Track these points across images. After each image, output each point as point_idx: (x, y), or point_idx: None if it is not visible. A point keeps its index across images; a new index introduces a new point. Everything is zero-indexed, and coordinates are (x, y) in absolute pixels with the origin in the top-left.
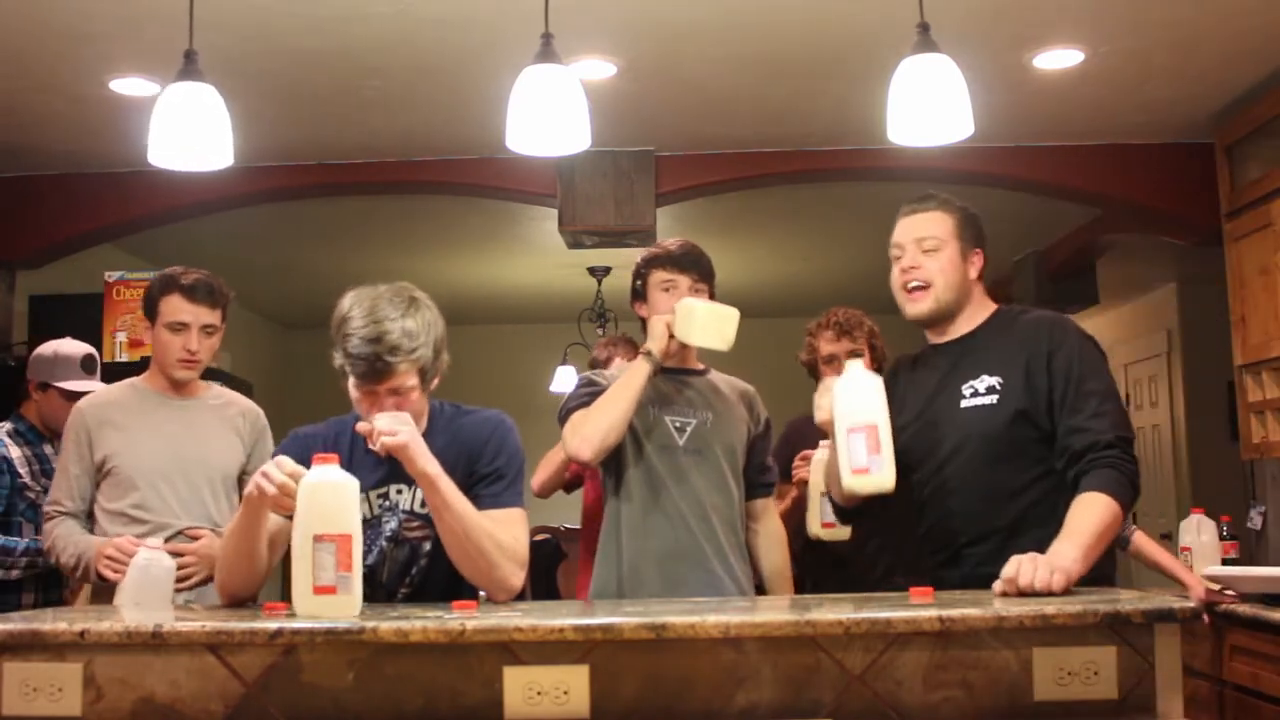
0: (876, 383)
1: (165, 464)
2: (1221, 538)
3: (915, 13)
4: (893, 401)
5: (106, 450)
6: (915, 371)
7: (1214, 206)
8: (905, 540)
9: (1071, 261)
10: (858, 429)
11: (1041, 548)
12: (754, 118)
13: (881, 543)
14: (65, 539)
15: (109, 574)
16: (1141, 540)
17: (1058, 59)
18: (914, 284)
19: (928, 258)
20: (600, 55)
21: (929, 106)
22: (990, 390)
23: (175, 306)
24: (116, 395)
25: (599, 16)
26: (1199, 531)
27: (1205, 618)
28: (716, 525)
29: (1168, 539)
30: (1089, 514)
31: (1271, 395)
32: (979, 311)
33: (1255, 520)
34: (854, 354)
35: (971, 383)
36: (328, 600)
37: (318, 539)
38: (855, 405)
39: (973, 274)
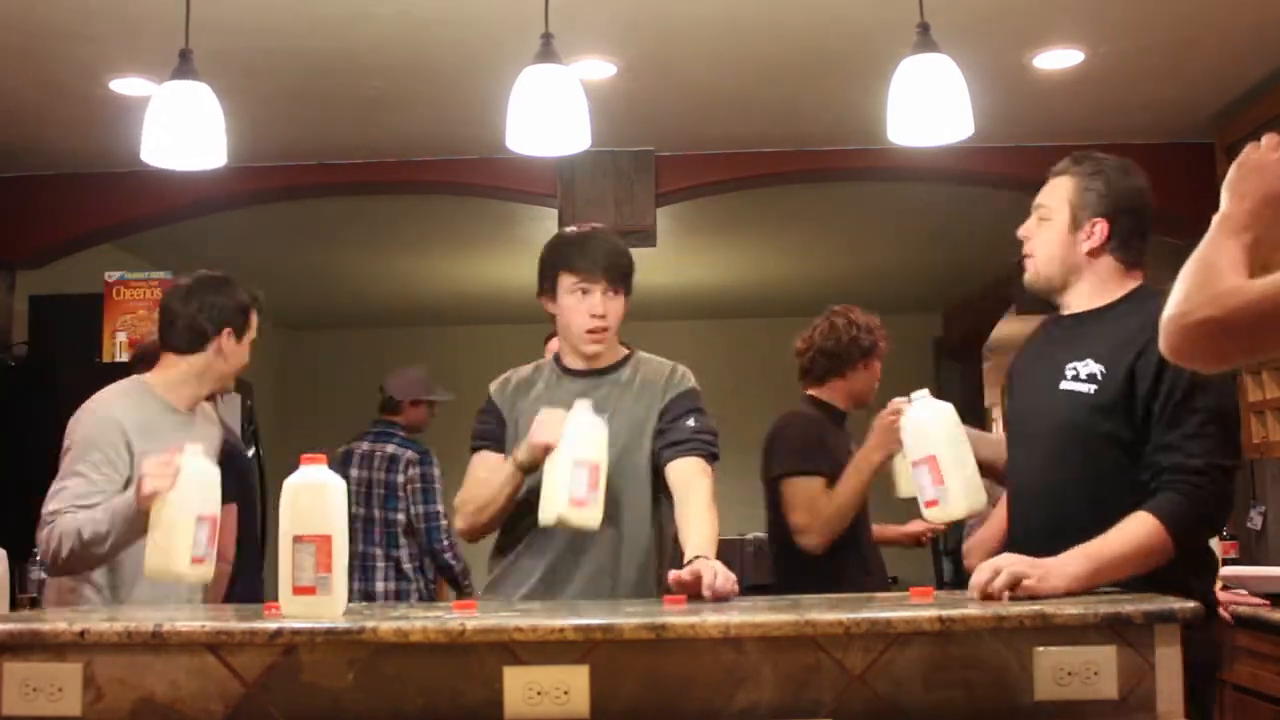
0: (934, 412)
1: None
2: (1221, 538)
3: (915, 13)
4: (1014, 374)
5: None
6: (1038, 341)
7: (1214, 206)
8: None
9: None
10: (920, 461)
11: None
12: (754, 118)
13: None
14: (83, 517)
15: (157, 484)
16: None
17: (1058, 59)
18: (1024, 254)
19: (1039, 226)
20: (600, 55)
21: (929, 106)
22: (1090, 378)
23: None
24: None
25: (599, 16)
26: None
27: (1229, 618)
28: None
29: None
30: (1123, 534)
31: (1271, 395)
32: (1107, 287)
33: (1255, 520)
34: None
35: (1075, 364)
36: (307, 601)
37: (297, 540)
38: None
39: (1086, 245)
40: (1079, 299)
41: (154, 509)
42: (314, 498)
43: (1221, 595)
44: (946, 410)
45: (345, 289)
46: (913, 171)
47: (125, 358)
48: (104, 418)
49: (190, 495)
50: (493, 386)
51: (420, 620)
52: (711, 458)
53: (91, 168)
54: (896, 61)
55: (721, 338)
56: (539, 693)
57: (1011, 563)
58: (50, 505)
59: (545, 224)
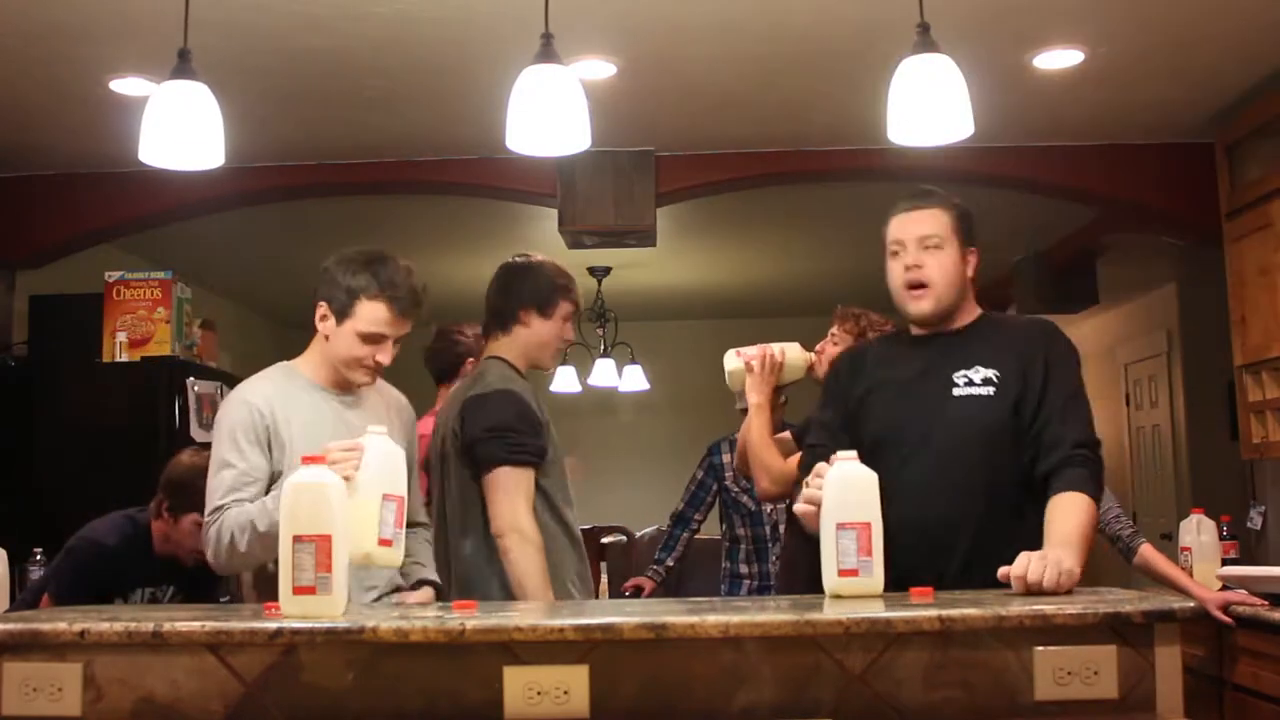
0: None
1: None
2: (1221, 538)
3: (915, 13)
4: (846, 392)
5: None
6: (883, 359)
7: (1214, 206)
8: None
9: (1071, 261)
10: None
11: (1010, 543)
12: (754, 118)
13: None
14: (254, 508)
15: (343, 470)
16: (1150, 554)
17: (1058, 59)
18: (916, 282)
19: (929, 255)
20: (600, 55)
21: (929, 106)
22: (987, 381)
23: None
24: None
25: (599, 16)
26: (1199, 531)
27: (1229, 619)
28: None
29: (1168, 539)
30: (1074, 518)
31: (1271, 395)
32: (969, 311)
33: (1255, 520)
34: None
35: (965, 372)
36: (307, 601)
37: (297, 539)
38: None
39: (969, 273)
40: (953, 321)
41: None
42: (314, 498)
43: (1222, 595)
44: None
45: None
46: (913, 171)
47: (125, 358)
48: (239, 401)
49: (375, 476)
50: (523, 390)
51: (420, 620)
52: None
53: (91, 168)
54: (896, 61)
55: (721, 338)
56: (539, 693)
57: (1050, 561)
58: (212, 502)
59: (545, 224)
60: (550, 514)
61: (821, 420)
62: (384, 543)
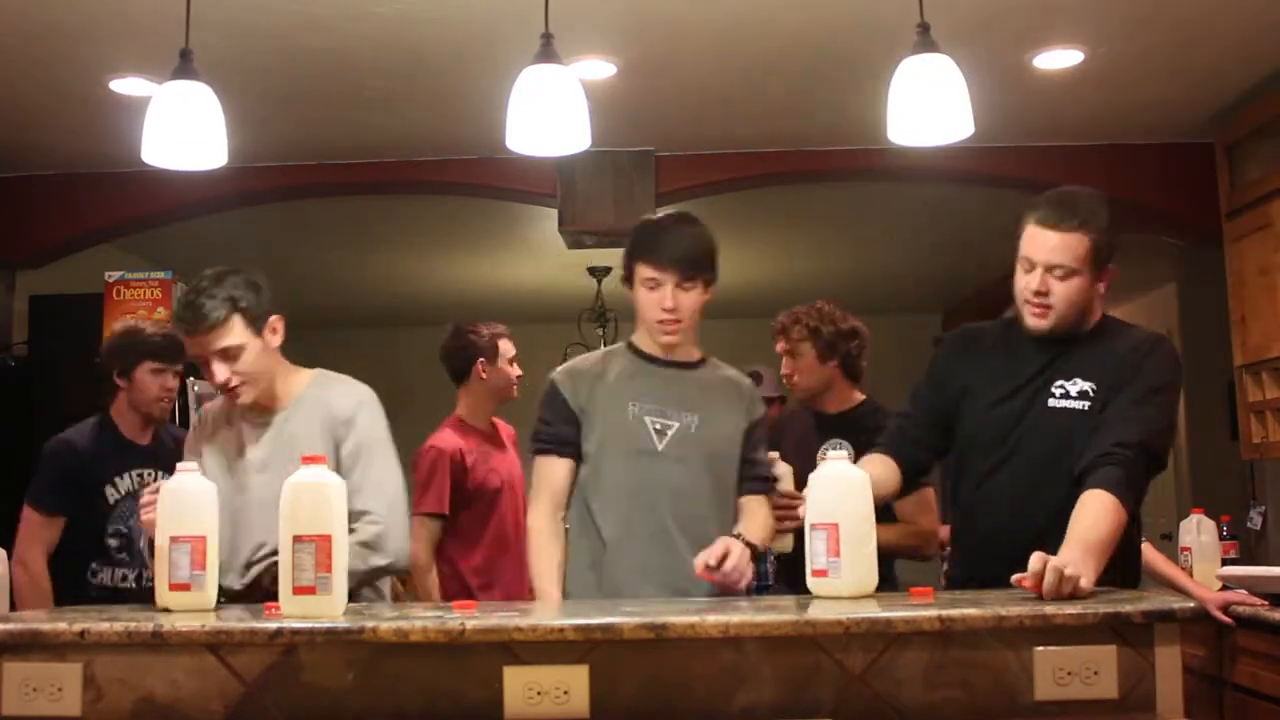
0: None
1: None
2: (1221, 538)
3: (915, 13)
4: (948, 377)
5: None
6: (993, 351)
7: (1214, 206)
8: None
9: None
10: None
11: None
12: (754, 118)
13: None
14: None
15: (149, 516)
16: (1150, 554)
17: (1058, 59)
18: (1039, 303)
19: (1058, 283)
20: (600, 55)
21: (929, 106)
22: (1083, 395)
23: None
24: None
25: (599, 16)
26: (1199, 531)
27: (1229, 619)
28: (691, 544)
29: (1168, 539)
30: (1096, 520)
31: (1271, 395)
32: (1089, 318)
33: (1255, 520)
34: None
35: (1064, 383)
36: (307, 601)
37: (297, 540)
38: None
39: (1100, 291)
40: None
41: None
42: (314, 498)
43: (1222, 595)
44: (860, 482)
45: (345, 289)
46: (913, 171)
47: None
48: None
49: (163, 519)
50: (557, 378)
51: (420, 620)
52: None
53: (91, 168)
54: (896, 61)
55: (721, 338)
56: (539, 693)
57: (1067, 575)
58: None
59: (545, 224)
60: (581, 506)
61: (915, 396)
62: (177, 587)
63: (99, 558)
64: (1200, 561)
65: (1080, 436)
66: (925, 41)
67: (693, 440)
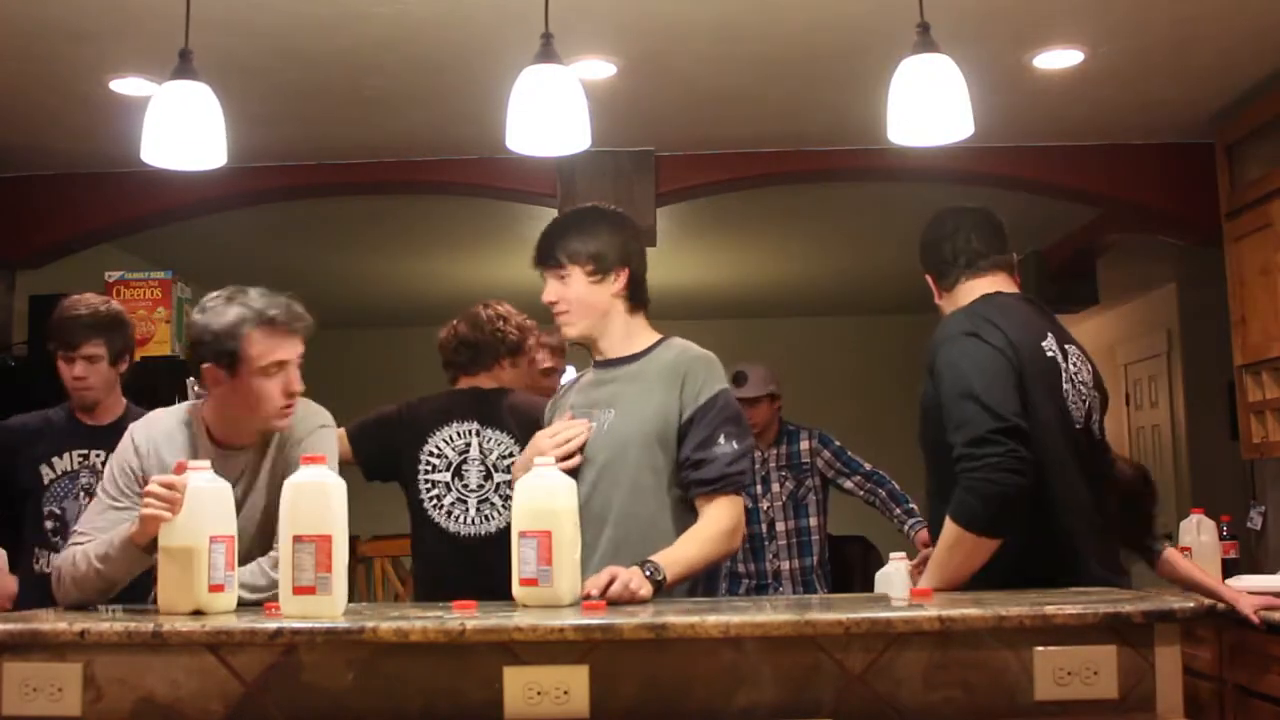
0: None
1: None
2: (1221, 538)
3: (915, 13)
4: None
5: None
6: None
7: (1214, 206)
8: None
9: (1071, 261)
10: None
11: None
12: (754, 118)
13: None
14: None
15: (160, 513)
16: (1174, 558)
17: (1058, 59)
18: None
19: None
20: (600, 55)
21: (929, 106)
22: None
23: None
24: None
25: (599, 16)
26: (1199, 531)
27: (1259, 622)
28: (604, 546)
29: (1168, 539)
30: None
31: (1271, 395)
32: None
33: (1255, 520)
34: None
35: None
36: (307, 601)
37: (297, 540)
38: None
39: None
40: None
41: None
42: (314, 498)
43: (1258, 598)
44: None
45: (345, 289)
46: (913, 171)
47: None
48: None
49: (200, 516)
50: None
51: (420, 620)
52: (742, 488)
53: (91, 168)
54: (896, 61)
55: (721, 338)
56: (539, 693)
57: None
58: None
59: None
60: None
61: None
62: (215, 589)
63: (38, 541)
64: (1200, 562)
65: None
66: (925, 41)
67: (606, 436)
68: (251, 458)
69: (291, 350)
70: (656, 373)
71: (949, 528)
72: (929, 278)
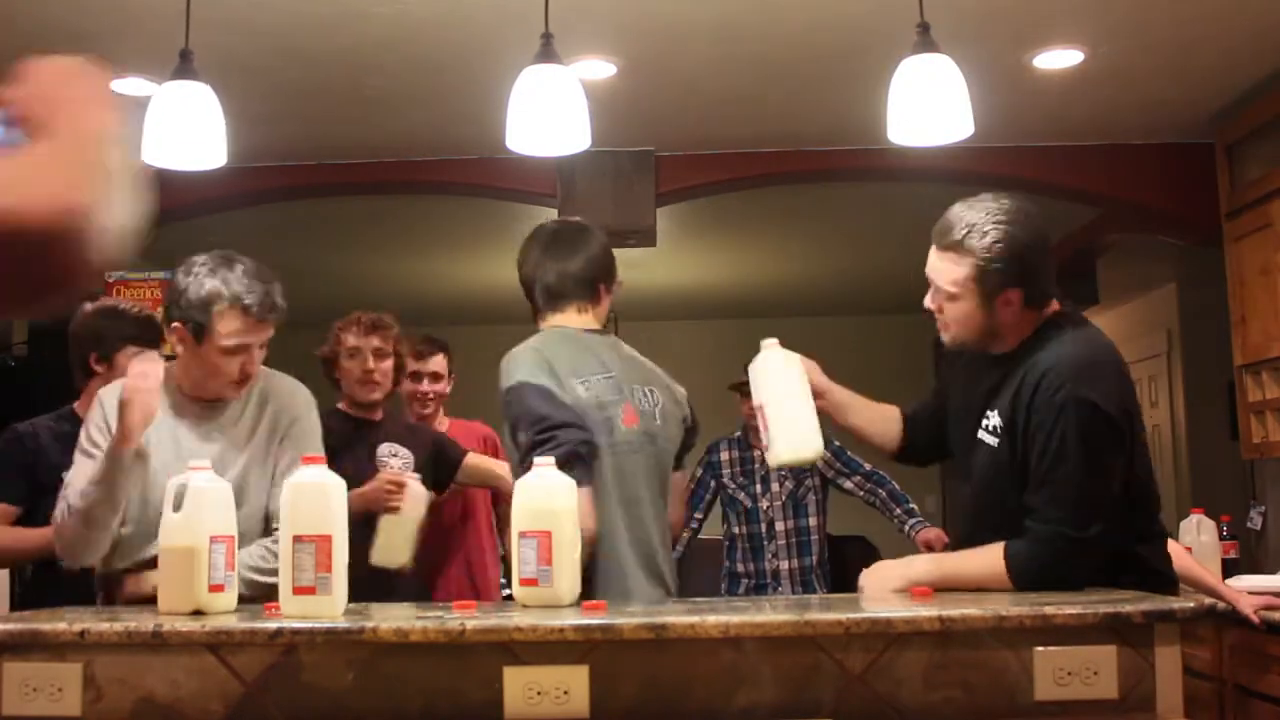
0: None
1: None
2: (1221, 538)
3: (915, 13)
4: (945, 383)
5: None
6: (967, 365)
7: (1214, 206)
8: None
9: (1072, 261)
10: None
11: None
12: (754, 118)
13: None
14: None
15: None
16: (1176, 552)
17: (1058, 59)
18: (939, 321)
19: (948, 303)
20: (600, 55)
21: (929, 106)
22: (995, 431)
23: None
24: None
25: (599, 16)
26: (1199, 531)
27: (1259, 622)
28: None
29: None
30: (971, 563)
31: (1271, 395)
32: (1024, 329)
33: (1255, 520)
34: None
35: (990, 413)
36: (307, 601)
37: (297, 539)
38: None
39: (1005, 316)
40: (1006, 342)
41: None
42: (314, 497)
43: (1258, 598)
44: (779, 362)
45: (345, 289)
46: (913, 171)
47: None
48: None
49: (202, 516)
50: None
51: (420, 620)
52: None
53: None
54: (896, 61)
55: (721, 338)
56: (539, 693)
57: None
58: None
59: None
60: None
61: (936, 389)
62: (215, 589)
63: None
64: (1200, 561)
65: (994, 475)
66: (925, 41)
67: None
68: (231, 411)
69: (257, 336)
70: None
71: (997, 560)
72: (1016, 292)
